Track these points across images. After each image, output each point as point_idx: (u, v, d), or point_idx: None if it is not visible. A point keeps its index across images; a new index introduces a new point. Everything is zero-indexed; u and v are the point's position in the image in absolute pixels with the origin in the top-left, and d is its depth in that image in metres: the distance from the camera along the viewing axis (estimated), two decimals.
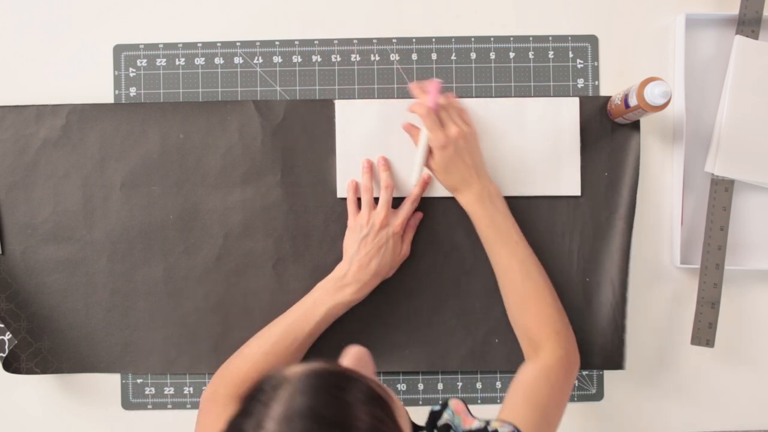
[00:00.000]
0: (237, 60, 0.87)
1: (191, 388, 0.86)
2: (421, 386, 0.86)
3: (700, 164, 0.86)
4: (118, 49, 0.87)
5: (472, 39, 0.87)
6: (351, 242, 0.81)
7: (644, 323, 0.86)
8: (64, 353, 0.85)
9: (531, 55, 0.87)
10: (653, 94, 0.75)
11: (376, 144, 0.84)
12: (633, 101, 0.78)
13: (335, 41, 0.87)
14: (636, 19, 0.87)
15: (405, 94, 0.86)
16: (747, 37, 0.85)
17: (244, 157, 0.85)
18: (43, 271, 0.85)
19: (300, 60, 0.87)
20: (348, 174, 0.84)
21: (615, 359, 0.84)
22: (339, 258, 0.82)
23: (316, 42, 0.87)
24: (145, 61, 0.87)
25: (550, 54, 0.87)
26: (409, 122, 0.82)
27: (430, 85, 0.78)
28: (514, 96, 0.86)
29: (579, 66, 0.87)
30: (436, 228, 0.85)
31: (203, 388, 0.86)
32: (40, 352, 0.85)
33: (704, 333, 0.84)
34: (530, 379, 0.74)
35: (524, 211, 0.84)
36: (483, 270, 0.85)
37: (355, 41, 0.87)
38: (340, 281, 0.79)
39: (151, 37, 0.87)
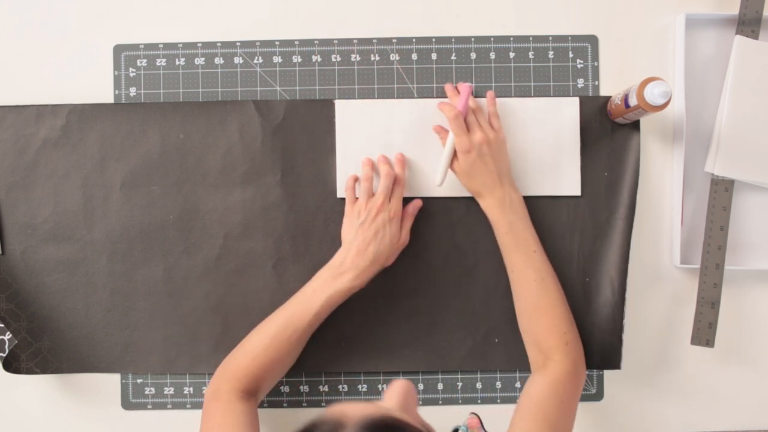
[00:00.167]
0: (237, 60, 0.87)
1: (191, 388, 0.86)
2: (421, 386, 0.86)
3: (700, 164, 0.86)
4: (118, 49, 0.87)
5: (472, 39, 0.87)
6: (348, 229, 0.81)
7: (644, 323, 0.86)
8: (64, 353, 0.85)
9: (531, 55, 0.87)
10: (653, 94, 0.75)
11: (376, 144, 0.84)
12: (633, 101, 0.78)
13: (335, 41, 0.87)
14: (636, 19, 0.87)
15: (405, 94, 0.86)
16: (747, 37, 0.85)
17: (244, 157, 0.85)
18: (43, 271, 0.85)
19: (300, 60, 0.87)
20: (348, 174, 0.84)
21: (612, 359, 0.84)
22: None
23: (316, 42, 0.87)
24: (145, 61, 0.87)
25: (550, 54, 0.87)
26: (439, 125, 0.83)
27: (462, 88, 0.79)
28: (515, 96, 0.86)
29: (579, 66, 0.87)
30: (437, 228, 0.85)
31: (203, 388, 0.86)
32: (40, 352, 0.85)
33: (704, 333, 0.84)
34: (540, 394, 0.74)
35: None
36: (483, 270, 0.85)
37: (355, 41, 0.87)
38: (338, 269, 0.79)
39: (151, 37, 0.87)
